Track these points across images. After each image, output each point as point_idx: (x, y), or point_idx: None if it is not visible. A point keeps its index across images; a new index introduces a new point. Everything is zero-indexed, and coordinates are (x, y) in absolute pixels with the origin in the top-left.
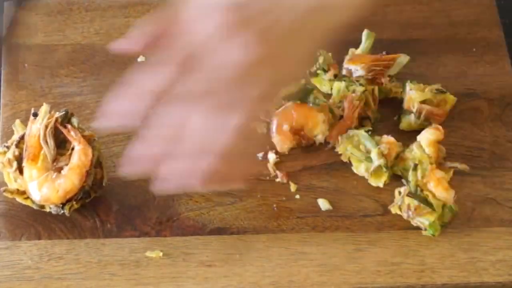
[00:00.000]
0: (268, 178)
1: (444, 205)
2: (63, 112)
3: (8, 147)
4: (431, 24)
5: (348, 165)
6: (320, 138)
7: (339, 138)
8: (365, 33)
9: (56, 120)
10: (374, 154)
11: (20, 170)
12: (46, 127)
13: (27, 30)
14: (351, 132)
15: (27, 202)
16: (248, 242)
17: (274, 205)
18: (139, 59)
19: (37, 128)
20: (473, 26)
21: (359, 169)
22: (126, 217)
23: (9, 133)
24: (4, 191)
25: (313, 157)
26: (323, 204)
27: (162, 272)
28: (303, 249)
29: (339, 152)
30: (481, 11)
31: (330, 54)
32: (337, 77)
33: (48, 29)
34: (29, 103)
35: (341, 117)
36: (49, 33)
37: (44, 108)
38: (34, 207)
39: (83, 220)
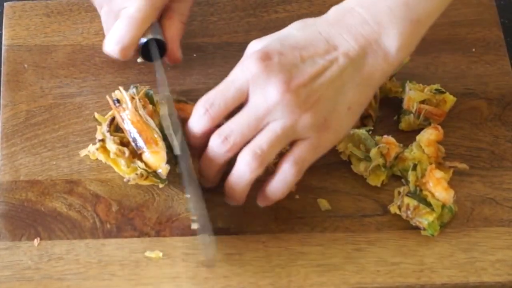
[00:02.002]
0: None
1: (443, 205)
2: (134, 88)
3: (102, 140)
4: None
5: (348, 165)
6: None
7: None
8: None
9: (142, 99)
10: (373, 154)
11: (133, 155)
12: (136, 109)
13: (27, 30)
14: (352, 131)
15: (151, 182)
16: (248, 242)
17: (274, 205)
18: (138, 60)
19: (132, 112)
20: (473, 26)
21: (358, 168)
22: (126, 217)
23: (9, 134)
24: (128, 181)
25: None
26: (323, 204)
27: (162, 272)
28: (302, 249)
29: (339, 150)
30: (480, 11)
31: None
32: None
33: (48, 30)
34: (28, 104)
35: None
36: (49, 33)
37: (125, 93)
38: (160, 185)
39: (83, 220)
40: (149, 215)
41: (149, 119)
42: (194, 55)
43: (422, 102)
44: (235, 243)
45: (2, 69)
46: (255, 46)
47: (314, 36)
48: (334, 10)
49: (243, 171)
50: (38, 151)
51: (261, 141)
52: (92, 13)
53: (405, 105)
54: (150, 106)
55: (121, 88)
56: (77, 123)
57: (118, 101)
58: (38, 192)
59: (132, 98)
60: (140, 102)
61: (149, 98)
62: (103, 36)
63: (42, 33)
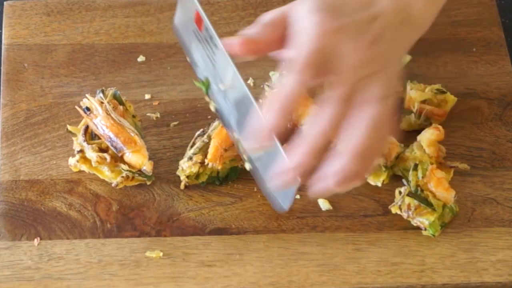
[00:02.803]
0: None
1: (444, 205)
2: (100, 93)
3: (81, 151)
4: (431, 24)
5: None
6: None
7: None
8: None
9: (111, 101)
10: None
11: (114, 159)
12: (108, 113)
13: (27, 29)
14: None
15: (138, 181)
16: (248, 242)
17: None
18: (139, 59)
19: (104, 117)
20: (474, 25)
21: None
22: (126, 217)
23: (9, 133)
24: (116, 186)
25: None
26: (323, 204)
27: (162, 272)
28: (303, 249)
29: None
30: (481, 11)
31: None
32: None
33: (48, 29)
34: (29, 103)
35: None
36: (49, 33)
37: (93, 100)
38: (148, 182)
39: (83, 220)
40: (149, 214)
41: (122, 120)
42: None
43: (423, 102)
44: (235, 243)
45: (2, 68)
46: (304, 11)
47: (351, 4)
48: None
49: (383, 131)
50: (38, 151)
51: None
52: (92, 12)
53: (406, 104)
54: (121, 107)
55: (88, 95)
56: (77, 122)
57: (88, 109)
58: (38, 191)
59: (101, 103)
60: (110, 105)
61: (117, 98)
62: (103, 35)
63: (42, 32)
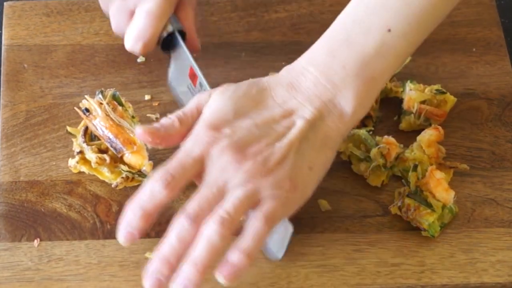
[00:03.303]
0: None
1: (444, 206)
2: (99, 94)
3: (80, 152)
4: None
5: (348, 166)
6: None
7: None
8: None
9: (110, 102)
10: (373, 154)
11: (114, 159)
12: (107, 114)
13: (26, 30)
14: (353, 131)
15: (138, 182)
16: None
17: None
18: (139, 60)
19: (103, 118)
20: (473, 26)
21: (358, 168)
22: None
23: (9, 134)
24: (116, 187)
25: None
26: (323, 205)
27: None
28: (302, 250)
29: (340, 150)
30: (481, 11)
31: None
32: None
33: (47, 29)
34: (28, 104)
35: None
36: (49, 33)
37: (92, 101)
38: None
39: (83, 221)
40: None
41: (121, 120)
42: (194, 55)
43: (423, 102)
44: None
45: (2, 69)
46: (208, 112)
47: (268, 101)
48: (286, 71)
49: (212, 240)
50: (38, 151)
51: (226, 207)
52: (92, 12)
53: (405, 105)
54: (120, 108)
55: (87, 96)
56: (77, 123)
57: (87, 110)
58: (38, 192)
59: (100, 104)
60: (109, 106)
61: (116, 99)
62: (103, 35)
63: (41, 33)
